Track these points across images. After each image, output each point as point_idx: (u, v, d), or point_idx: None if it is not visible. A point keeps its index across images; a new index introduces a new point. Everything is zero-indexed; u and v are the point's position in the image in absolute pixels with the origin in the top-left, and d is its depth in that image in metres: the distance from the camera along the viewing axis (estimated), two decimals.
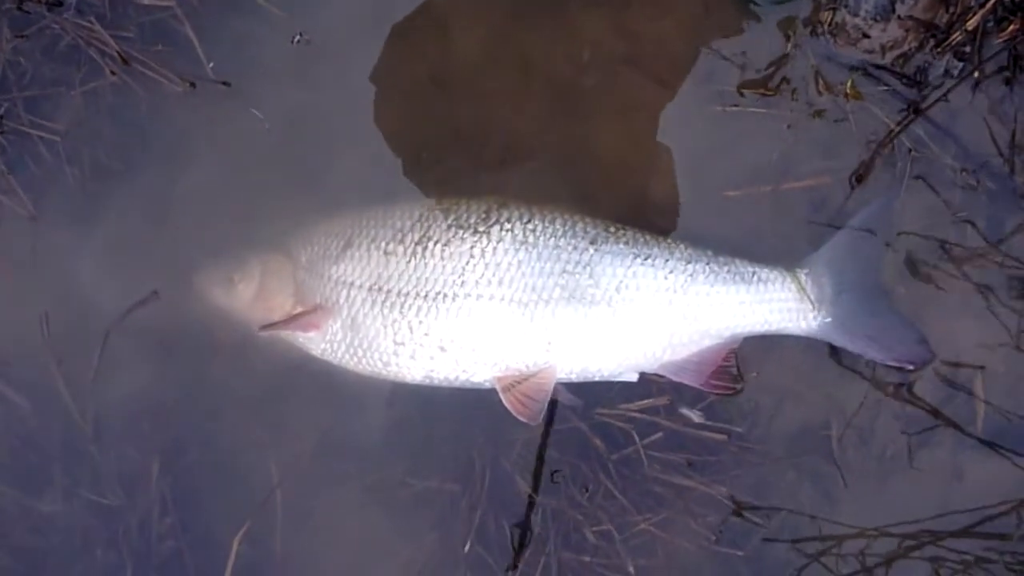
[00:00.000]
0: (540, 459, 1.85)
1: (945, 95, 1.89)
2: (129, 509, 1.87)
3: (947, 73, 1.90)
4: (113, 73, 1.93)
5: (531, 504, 1.84)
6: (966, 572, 1.79)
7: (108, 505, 1.86)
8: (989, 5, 1.82)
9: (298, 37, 1.96)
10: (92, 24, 1.89)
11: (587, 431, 1.86)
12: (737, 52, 1.95)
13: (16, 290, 1.93)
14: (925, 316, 1.84)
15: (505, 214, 1.79)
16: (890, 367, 1.83)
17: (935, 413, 1.85)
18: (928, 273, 1.86)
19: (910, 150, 1.89)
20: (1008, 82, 1.89)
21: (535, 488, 1.84)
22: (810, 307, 1.79)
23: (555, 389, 1.74)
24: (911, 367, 1.83)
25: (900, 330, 1.81)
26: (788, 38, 1.94)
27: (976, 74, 1.88)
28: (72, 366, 1.89)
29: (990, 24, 1.86)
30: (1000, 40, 1.87)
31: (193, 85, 1.94)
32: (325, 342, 1.81)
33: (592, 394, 1.85)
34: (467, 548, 1.83)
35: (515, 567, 1.83)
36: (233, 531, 1.83)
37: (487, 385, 1.76)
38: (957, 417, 1.83)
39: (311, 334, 1.81)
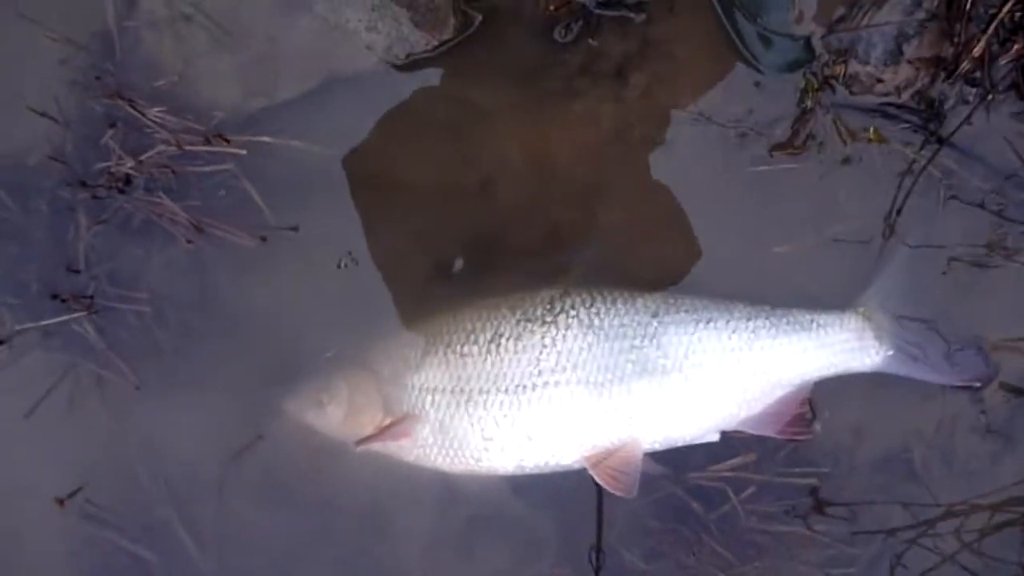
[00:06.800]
0: (599, 526, 1.91)
1: (966, 120, 1.95)
2: None
3: (962, 100, 1.96)
4: (189, 242, 1.99)
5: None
6: None
7: None
8: (991, 30, 1.88)
9: (346, 260, 2.01)
10: (161, 199, 1.97)
11: (683, 495, 1.91)
12: (762, 119, 2.01)
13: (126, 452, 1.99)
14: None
15: (568, 301, 1.85)
16: (957, 388, 1.90)
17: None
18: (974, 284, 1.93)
19: (940, 179, 1.95)
20: (1022, 97, 1.94)
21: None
22: (871, 343, 1.85)
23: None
24: (978, 385, 1.90)
25: (961, 351, 1.87)
26: (805, 97, 1.99)
27: (990, 97, 1.94)
28: (190, 518, 1.95)
29: (995, 47, 1.92)
30: (1007, 61, 1.93)
31: (264, 239, 2.00)
32: (417, 448, 1.86)
33: (681, 460, 1.90)
34: None
35: None
36: None
37: (577, 466, 1.81)
38: None
39: (403, 442, 1.86)
